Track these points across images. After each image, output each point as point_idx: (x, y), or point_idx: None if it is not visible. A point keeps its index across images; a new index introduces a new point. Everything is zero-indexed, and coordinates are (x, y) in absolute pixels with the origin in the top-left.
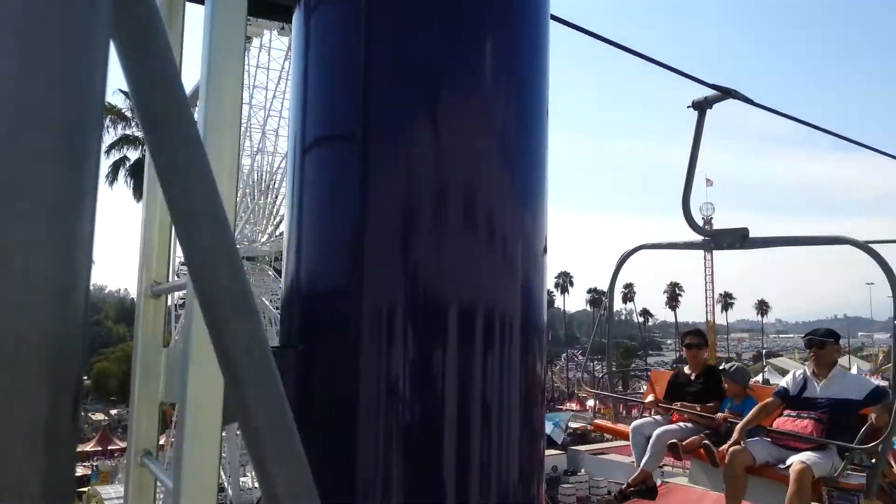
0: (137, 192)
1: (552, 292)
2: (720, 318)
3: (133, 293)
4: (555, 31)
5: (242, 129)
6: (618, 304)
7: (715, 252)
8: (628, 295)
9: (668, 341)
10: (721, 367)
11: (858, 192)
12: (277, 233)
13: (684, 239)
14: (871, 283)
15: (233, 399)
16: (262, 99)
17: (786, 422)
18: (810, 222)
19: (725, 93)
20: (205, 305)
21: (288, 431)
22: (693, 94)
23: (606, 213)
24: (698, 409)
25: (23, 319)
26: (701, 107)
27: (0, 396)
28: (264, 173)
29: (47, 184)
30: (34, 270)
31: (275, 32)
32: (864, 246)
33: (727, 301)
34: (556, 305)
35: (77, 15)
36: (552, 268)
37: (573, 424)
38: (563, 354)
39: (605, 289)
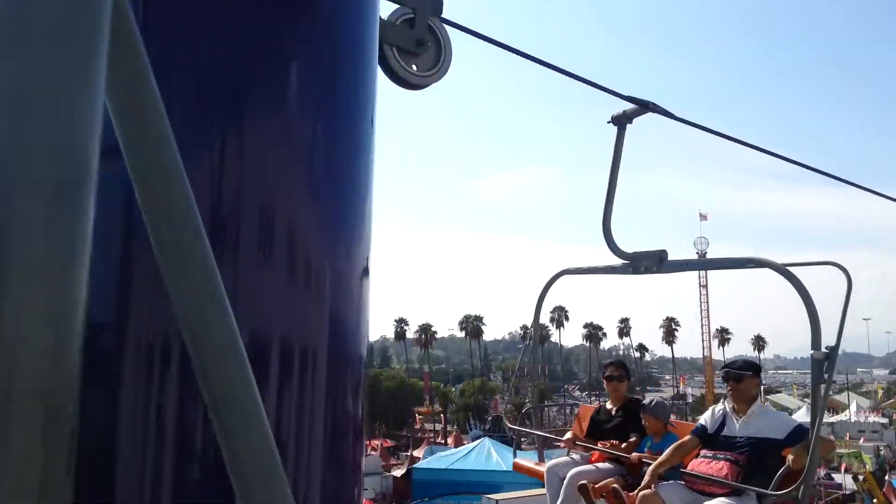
0: None
1: (548, 327)
2: (717, 354)
3: None
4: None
5: None
6: (614, 340)
7: (710, 287)
8: (624, 330)
9: (667, 377)
10: (642, 402)
11: (856, 225)
12: None
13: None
14: (868, 319)
15: (220, 443)
16: None
17: (700, 463)
18: (801, 255)
19: (643, 106)
20: (193, 349)
21: (278, 478)
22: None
23: (600, 246)
24: (619, 446)
25: (18, 379)
26: (620, 122)
27: None
28: None
29: (40, 243)
30: (28, 327)
31: None
32: (780, 268)
33: (724, 336)
34: (552, 340)
35: (73, 72)
36: (549, 302)
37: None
38: (561, 389)
39: (601, 323)
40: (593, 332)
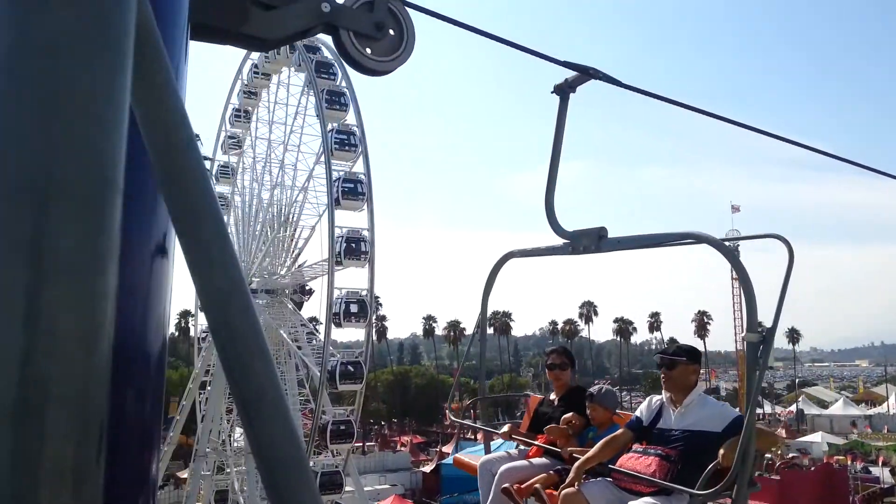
0: None
1: (576, 322)
2: None
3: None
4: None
5: (262, 163)
6: (645, 334)
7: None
8: (654, 324)
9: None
10: (588, 390)
11: (890, 217)
12: (296, 265)
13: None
14: None
15: (249, 438)
16: (281, 134)
17: (629, 459)
18: (838, 247)
19: (583, 72)
20: (220, 348)
21: (303, 470)
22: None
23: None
24: (557, 431)
25: (51, 369)
26: (563, 91)
27: (30, 441)
28: (283, 206)
29: (71, 247)
30: (61, 325)
31: (292, 69)
32: (716, 243)
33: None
34: (582, 335)
35: (99, 82)
36: (577, 297)
37: None
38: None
39: (631, 318)
40: (623, 327)
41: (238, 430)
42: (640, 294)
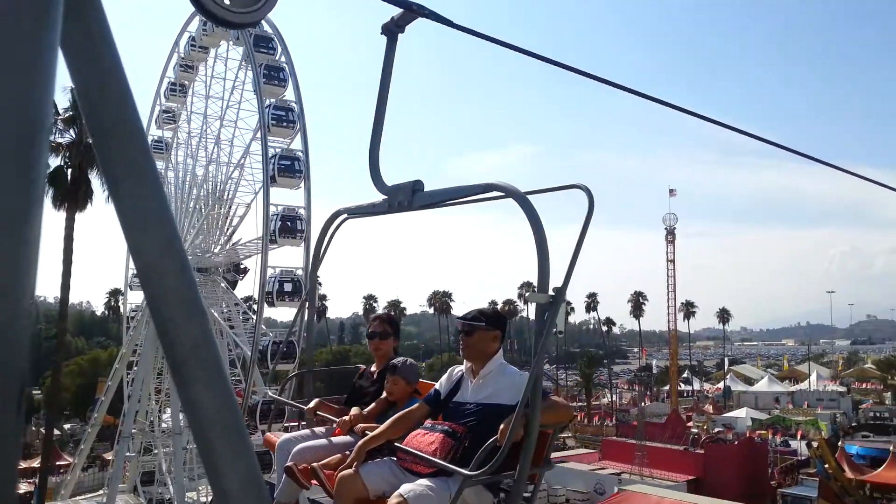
0: (56, 201)
1: (515, 302)
2: (682, 327)
3: (94, 305)
4: None
5: (197, 139)
6: (582, 315)
7: (677, 260)
8: (591, 304)
9: (634, 349)
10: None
11: (825, 202)
12: (230, 243)
13: None
14: (832, 292)
15: (182, 399)
16: (218, 109)
17: (415, 436)
18: (771, 231)
19: (408, 9)
20: (154, 308)
21: (238, 429)
22: None
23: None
24: (359, 415)
25: None
26: (390, 31)
27: None
28: (218, 183)
29: None
30: None
31: (231, 43)
32: (517, 194)
33: (689, 310)
34: (521, 315)
35: (26, 28)
36: (517, 277)
37: None
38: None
39: (569, 298)
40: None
41: (168, 411)
42: (578, 275)
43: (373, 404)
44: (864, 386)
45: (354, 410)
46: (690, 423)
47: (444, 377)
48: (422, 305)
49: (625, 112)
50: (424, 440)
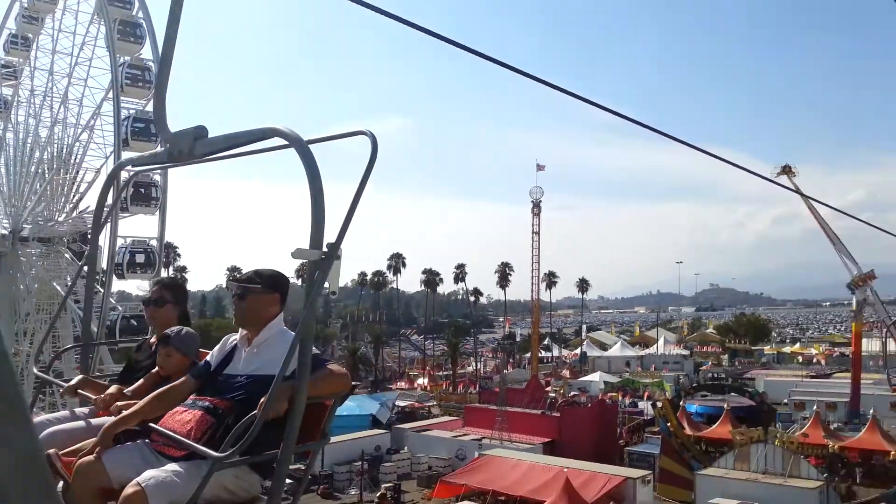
0: None
1: (385, 273)
2: (545, 296)
3: None
4: None
5: (41, 97)
6: (451, 285)
7: (542, 233)
8: (460, 275)
9: (501, 319)
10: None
11: (680, 178)
12: (77, 211)
13: None
14: (681, 262)
15: None
16: (65, 66)
17: (172, 415)
18: (630, 206)
19: None
20: None
21: (10, 401)
22: None
23: (439, 196)
24: (118, 393)
25: None
26: None
27: None
28: (64, 146)
29: None
30: None
31: None
32: (294, 139)
33: (551, 280)
34: (392, 286)
35: None
36: (386, 248)
37: (401, 403)
38: (399, 334)
39: (438, 269)
40: (431, 278)
41: None
42: (447, 247)
43: (141, 380)
44: (705, 349)
45: (113, 388)
46: (549, 388)
47: (217, 347)
48: (290, 277)
49: (500, 87)
50: (181, 419)
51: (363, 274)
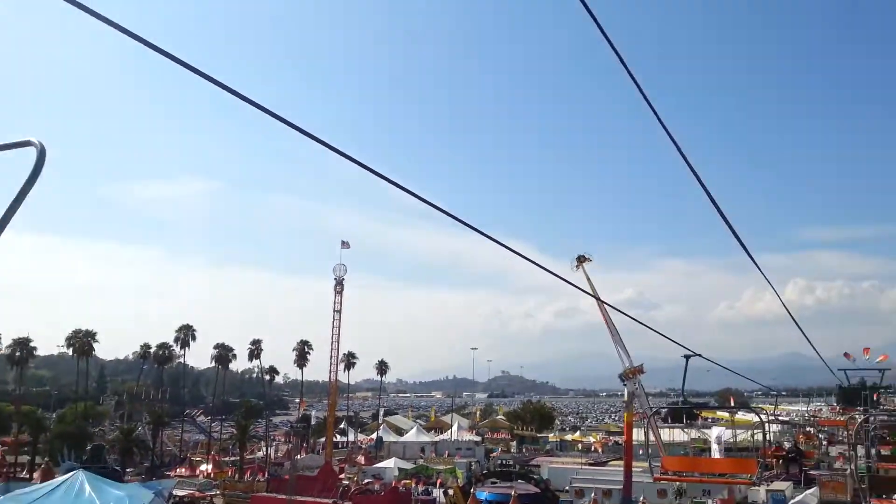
0: None
1: (171, 346)
2: (343, 377)
3: None
4: None
5: None
6: (245, 362)
7: (343, 311)
8: (255, 352)
9: (297, 400)
10: None
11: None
12: None
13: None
14: (475, 349)
15: None
16: None
17: None
18: (431, 290)
19: None
20: None
21: None
22: None
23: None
24: None
25: None
26: None
27: None
28: None
29: None
30: None
31: None
32: None
33: (350, 360)
34: (180, 360)
35: None
36: (177, 319)
37: (179, 492)
38: (184, 414)
39: (232, 344)
40: (223, 354)
41: None
42: (244, 321)
43: None
44: (496, 436)
45: None
46: (343, 475)
47: None
48: (60, 346)
49: (311, 160)
50: None
51: (146, 346)
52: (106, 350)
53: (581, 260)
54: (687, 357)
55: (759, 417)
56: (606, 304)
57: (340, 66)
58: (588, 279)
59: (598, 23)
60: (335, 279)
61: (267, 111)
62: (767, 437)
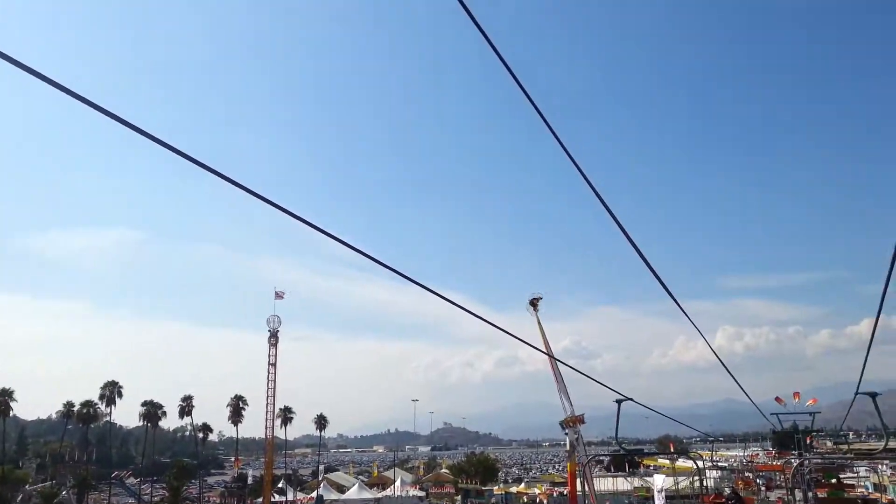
0: None
1: (96, 404)
2: (280, 433)
3: None
4: None
5: None
6: (177, 420)
7: (279, 364)
8: (186, 408)
9: (232, 458)
10: None
11: (414, 317)
12: None
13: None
14: (416, 400)
15: None
16: None
17: None
18: (369, 341)
19: None
20: None
21: None
22: None
23: (168, 318)
24: None
25: None
26: None
27: None
28: None
29: None
30: None
31: None
32: None
33: (287, 415)
34: (108, 419)
35: None
36: (102, 375)
37: None
38: (112, 476)
39: (161, 401)
40: (151, 411)
41: None
42: (175, 375)
43: None
44: (440, 490)
45: None
46: None
47: None
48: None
49: (241, 208)
50: None
51: (69, 404)
52: (27, 410)
53: (534, 303)
54: (619, 402)
55: (696, 465)
56: (549, 354)
57: (271, 107)
58: (539, 323)
59: (519, 82)
60: (269, 331)
61: (190, 158)
62: (706, 484)
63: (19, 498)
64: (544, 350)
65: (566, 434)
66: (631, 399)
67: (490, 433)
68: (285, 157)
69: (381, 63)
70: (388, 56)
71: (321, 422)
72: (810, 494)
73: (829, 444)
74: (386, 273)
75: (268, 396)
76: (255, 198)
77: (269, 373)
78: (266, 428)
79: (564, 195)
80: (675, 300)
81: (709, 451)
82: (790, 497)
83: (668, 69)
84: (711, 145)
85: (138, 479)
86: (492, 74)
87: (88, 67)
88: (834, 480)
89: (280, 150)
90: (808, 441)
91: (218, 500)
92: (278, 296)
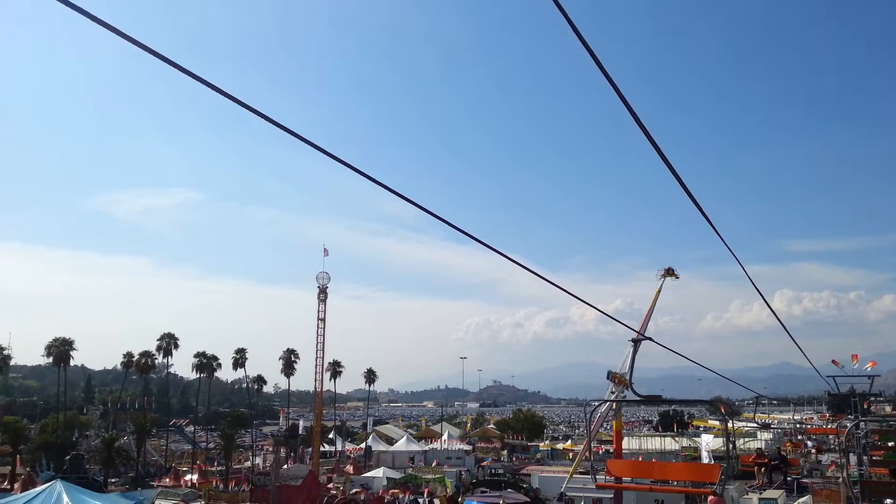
0: None
1: (154, 355)
2: (329, 386)
3: None
4: None
5: None
6: (230, 372)
7: (330, 321)
8: (239, 360)
9: (285, 409)
10: None
11: (465, 277)
12: None
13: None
14: (465, 358)
15: None
16: None
17: None
18: (420, 300)
19: None
20: None
21: None
22: None
23: (227, 275)
24: None
25: None
26: None
27: None
28: None
29: None
30: None
31: None
32: None
33: (336, 369)
34: (169, 370)
35: None
36: (160, 328)
37: (162, 502)
38: (171, 424)
39: (216, 353)
40: (205, 362)
41: None
42: (230, 329)
43: None
44: (486, 445)
45: None
46: (330, 485)
47: None
48: (43, 355)
49: (296, 171)
50: None
51: (129, 355)
52: (94, 360)
53: (670, 271)
54: (635, 341)
55: (726, 423)
56: (604, 312)
57: (340, 70)
58: (658, 291)
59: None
60: (318, 287)
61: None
62: (735, 444)
63: (83, 442)
64: (638, 320)
65: (613, 392)
66: (650, 338)
67: (539, 391)
68: (349, 121)
69: (452, 23)
70: (459, 17)
71: (370, 376)
72: (865, 458)
73: (887, 408)
74: (439, 233)
75: (317, 350)
76: (312, 151)
77: (318, 327)
78: (315, 381)
79: (627, 163)
80: (739, 263)
81: (763, 414)
82: (844, 460)
83: (738, 35)
84: (780, 108)
85: (195, 427)
86: (564, 39)
87: (171, 33)
88: (892, 444)
89: (345, 113)
90: (864, 405)
91: (270, 448)
92: (325, 253)
